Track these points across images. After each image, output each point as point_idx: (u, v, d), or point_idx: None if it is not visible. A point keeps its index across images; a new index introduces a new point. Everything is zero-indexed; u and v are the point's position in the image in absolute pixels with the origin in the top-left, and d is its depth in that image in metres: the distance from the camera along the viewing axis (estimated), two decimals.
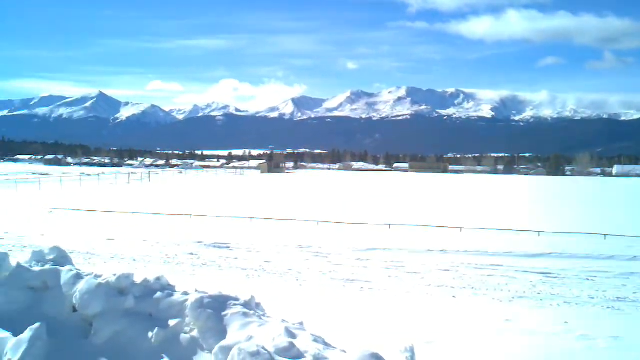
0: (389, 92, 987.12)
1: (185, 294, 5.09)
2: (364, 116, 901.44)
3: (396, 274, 14.96)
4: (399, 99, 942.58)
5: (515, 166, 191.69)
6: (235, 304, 4.88)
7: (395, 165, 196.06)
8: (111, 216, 27.76)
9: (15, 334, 4.64)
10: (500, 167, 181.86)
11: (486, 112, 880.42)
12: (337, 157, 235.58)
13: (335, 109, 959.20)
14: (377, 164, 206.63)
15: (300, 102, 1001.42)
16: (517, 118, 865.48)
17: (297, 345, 4.08)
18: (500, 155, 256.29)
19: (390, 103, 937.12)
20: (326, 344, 4.35)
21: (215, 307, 4.79)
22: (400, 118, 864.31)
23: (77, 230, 22.36)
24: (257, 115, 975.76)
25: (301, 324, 4.71)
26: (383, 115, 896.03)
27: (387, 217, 27.73)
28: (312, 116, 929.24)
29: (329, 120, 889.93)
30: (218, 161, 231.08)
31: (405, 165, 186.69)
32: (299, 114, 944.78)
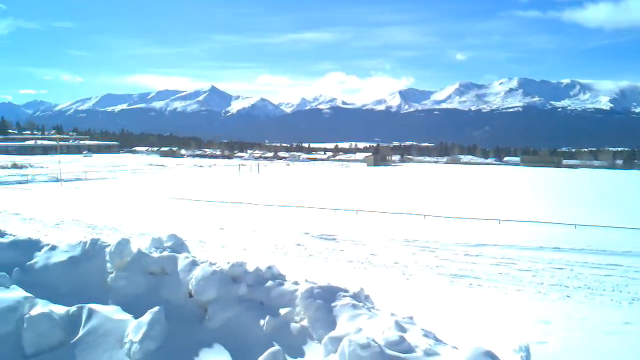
0: (500, 84, 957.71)
1: (296, 283, 5.16)
2: (473, 108, 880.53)
3: (506, 271, 14.51)
4: (510, 90, 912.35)
5: (636, 161, 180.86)
6: (344, 296, 4.90)
7: (506, 159, 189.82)
8: (222, 206, 28.63)
9: (136, 317, 4.87)
10: (619, 162, 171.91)
11: (604, 103, 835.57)
12: (444, 150, 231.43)
13: (443, 101, 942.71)
14: (486, 158, 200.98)
15: (407, 95, 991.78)
16: (638, 110, 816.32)
17: (408, 339, 4.03)
18: (619, 149, 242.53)
19: (501, 94, 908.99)
20: (437, 340, 4.27)
21: (325, 298, 4.82)
22: (512, 110, 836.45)
23: (191, 219, 23.22)
24: (364, 108, 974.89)
25: (411, 318, 4.65)
26: (493, 107, 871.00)
27: (497, 212, 26.98)
28: (419, 108, 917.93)
29: (436, 112, 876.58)
30: (324, 153, 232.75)
31: (517, 159, 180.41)
32: (406, 107, 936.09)
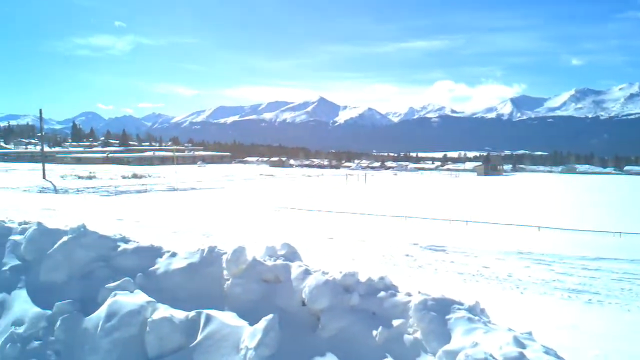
0: (620, 89, 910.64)
1: (408, 294, 5.10)
2: (589, 115, 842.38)
3: (629, 287, 13.70)
4: (632, 95, 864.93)
5: None
6: (459, 308, 4.79)
7: (627, 168, 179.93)
8: (330, 216, 28.89)
9: (251, 323, 4.99)
10: None
11: None
12: (559, 159, 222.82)
13: (558, 108, 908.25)
14: (604, 167, 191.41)
15: (519, 102, 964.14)
16: None
17: (527, 356, 3.88)
18: None
19: (621, 101, 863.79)
20: (558, 357, 4.09)
21: (439, 310, 4.74)
22: (633, 117, 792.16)
23: (299, 228, 23.55)
24: (474, 117, 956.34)
25: (530, 333, 4.47)
26: (612, 114, 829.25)
27: (618, 224, 25.62)
28: (532, 116, 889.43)
29: (550, 120, 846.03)
30: (432, 163, 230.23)
31: (639, 168, 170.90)
32: (518, 114, 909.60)
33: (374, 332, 4.78)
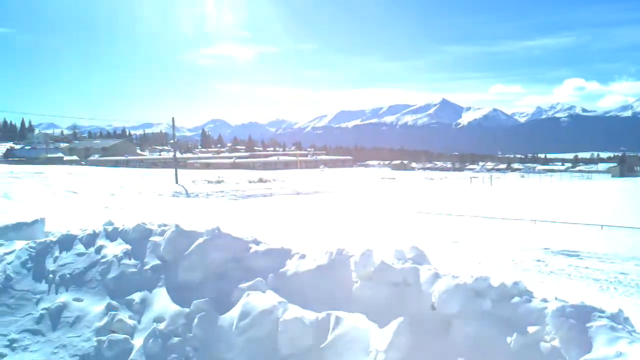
0: None
1: (544, 300, 4.91)
2: None
3: None
4: None
5: None
6: (600, 316, 4.55)
7: None
8: (454, 219, 28.34)
9: (380, 326, 5.00)
10: None
11: None
12: None
13: None
14: None
15: None
16: None
17: None
18: None
19: None
20: None
21: (578, 318, 4.53)
22: None
23: (423, 231, 23.29)
24: (607, 115, 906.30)
25: None
26: None
27: None
28: None
29: None
30: (562, 164, 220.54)
31: None
32: None
33: (508, 339, 4.64)
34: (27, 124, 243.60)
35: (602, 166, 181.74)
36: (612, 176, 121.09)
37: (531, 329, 4.65)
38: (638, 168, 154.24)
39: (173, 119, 72.86)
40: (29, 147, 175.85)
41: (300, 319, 5.28)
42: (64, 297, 7.09)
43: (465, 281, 5.18)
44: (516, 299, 4.99)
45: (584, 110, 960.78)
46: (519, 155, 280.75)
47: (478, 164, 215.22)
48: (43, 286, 7.50)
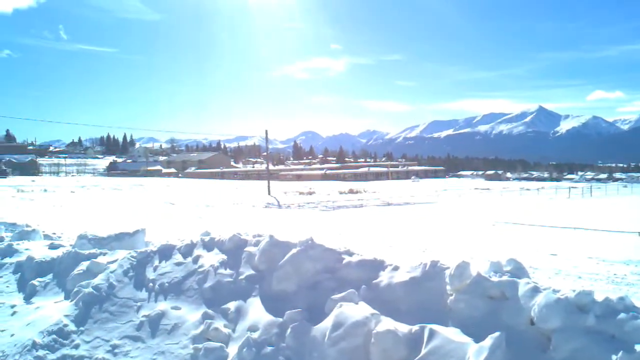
0: None
1: None
2: None
3: None
4: None
5: None
6: None
7: None
8: (552, 231, 27.37)
9: (476, 340, 4.86)
10: None
11: None
12: None
13: None
14: None
15: None
16: None
17: None
18: None
19: None
20: None
21: None
22: None
23: (518, 243, 22.60)
24: None
25: None
26: None
27: None
28: None
29: None
30: None
31: None
32: None
33: (613, 357, 4.41)
34: (128, 139, 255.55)
35: None
36: None
37: (639, 347, 4.40)
38: None
39: (266, 131, 74.45)
40: (130, 161, 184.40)
41: (394, 331, 5.22)
42: (162, 305, 7.34)
43: (567, 295, 4.97)
44: (622, 315, 4.73)
45: None
46: (621, 165, 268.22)
47: (577, 174, 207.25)
48: (143, 294, 7.79)
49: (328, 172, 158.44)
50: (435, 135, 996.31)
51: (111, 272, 8.40)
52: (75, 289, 8.23)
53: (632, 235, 24.99)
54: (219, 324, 6.62)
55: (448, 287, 5.85)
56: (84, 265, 9.11)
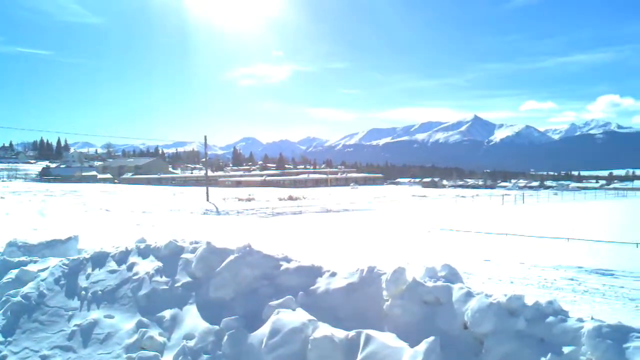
0: None
1: (580, 320, 4.80)
2: None
3: None
4: None
5: None
6: (637, 337, 4.43)
7: None
8: (486, 237, 28.02)
9: (411, 345, 4.92)
10: None
11: None
12: None
13: None
14: None
15: None
16: None
17: None
18: None
19: None
20: None
21: (615, 338, 4.42)
22: None
23: (454, 249, 23.06)
24: None
25: None
26: None
27: None
28: None
29: None
30: (597, 182, 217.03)
31: None
32: None
33: (542, 359, 4.54)
34: (63, 143, 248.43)
35: (637, 183, 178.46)
36: None
37: (566, 350, 4.54)
38: None
39: (205, 137, 73.70)
40: (64, 166, 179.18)
41: (330, 337, 5.24)
42: (95, 314, 7.16)
43: (499, 300, 5.10)
44: (551, 319, 4.89)
45: (619, 126, 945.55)
46: (552, 173, 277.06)
47: (510, 182, 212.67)
48: (75, 303, 7.59)
49: (268, 178, 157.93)
50: (374, 142, 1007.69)
51: (42, 280, 8.14)
52: (3, 299, 7.95)
53: (561, 241, 25.83)
54: (154, 332, 6.50)
55: (385, 293, 5.91)
56: (12, 273, 8.81)
